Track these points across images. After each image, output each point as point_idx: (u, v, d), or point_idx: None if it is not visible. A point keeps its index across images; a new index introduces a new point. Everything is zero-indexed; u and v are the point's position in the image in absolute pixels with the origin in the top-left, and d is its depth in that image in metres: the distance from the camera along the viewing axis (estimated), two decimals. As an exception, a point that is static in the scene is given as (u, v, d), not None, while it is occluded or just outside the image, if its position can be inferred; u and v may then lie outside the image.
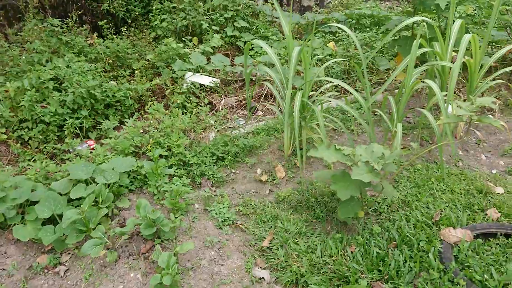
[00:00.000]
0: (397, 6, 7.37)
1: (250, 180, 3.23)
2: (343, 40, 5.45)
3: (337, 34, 5.61)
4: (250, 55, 5.04)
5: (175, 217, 2.76)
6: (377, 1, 7.25)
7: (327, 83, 4.70)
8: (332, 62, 5.02)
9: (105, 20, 5.18)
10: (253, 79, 4.86)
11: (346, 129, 3.57)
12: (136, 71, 4.42)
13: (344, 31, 5.65)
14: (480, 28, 5.23)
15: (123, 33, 5.17)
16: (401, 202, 2.80)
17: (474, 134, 3.64)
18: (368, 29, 5.74)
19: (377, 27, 5.76)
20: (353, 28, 5.75)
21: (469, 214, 2.62)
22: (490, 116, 3.90)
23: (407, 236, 2.43)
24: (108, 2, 5.54)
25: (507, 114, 4.01)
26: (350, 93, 4.69)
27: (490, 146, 3.51)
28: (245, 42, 5.46)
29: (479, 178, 3.02)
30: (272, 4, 6.77)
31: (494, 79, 3.69)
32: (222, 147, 3.46)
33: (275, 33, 5.60)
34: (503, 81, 3.51)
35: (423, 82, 2.98)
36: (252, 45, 5.31)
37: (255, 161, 3.42)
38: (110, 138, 3.41)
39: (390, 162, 2.31)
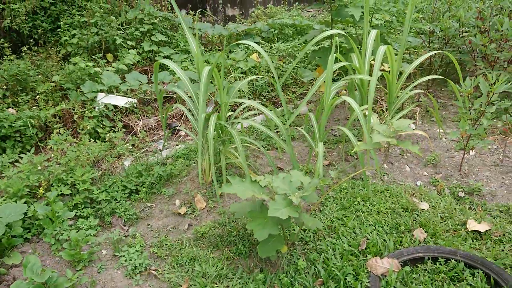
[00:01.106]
0: (319, 14, 7.32)
1: (168, 213, 2.88)
2: (267, 51, 5.25)
3: (260, 45, 5.39)
4: (170, 71, 4.67)
5: (77, 270, 2.36)
6: (299, 10, 7.15)
7: (250, 99, 4.45)
8: (257, 75, 4.80)
9: (2, 40, 4.57)
10: (174, 96, 4.50)
11: (266, 150, 3.33)
12: (40, 95, 3.91)
13: (267, 42, 5.46)
14: (399, 34, 5.24)
15: (25, 52, 4.59)
16: (328, 228, 2.59)
17: (398, 144, 3.55)
18: (291, 38, 5.58)
19: (299, 36, 5.62)
20: (276, 38, 5.56)
21: (396, 237, 2.46)
22: (412, 125, 3.84)
23: (333, 270, 2.21)
24: (9, 18, 4.93)
25: (427, 121, 3.97)
26: (278, 106, 4.48)
27: (414, 156, 3.43)
28: (165, 57, 5.10)
29: (405, 193, 2.89)
30: (194, 15, 6.45)
31: (415, 87, 3.63)
32: (136, 178, 3.08)
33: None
34: (422, 91, 3.43)
35: (342, 97, 2.79)
36: (173, 60, 4.95)
37: (174, 191, 3.07)
38: (2, 177, 2.91)
39: (310, 192, 2.07)
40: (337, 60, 3.21)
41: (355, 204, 2.77)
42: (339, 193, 2.93)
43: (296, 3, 7.77)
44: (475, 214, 2.68)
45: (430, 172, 3.22)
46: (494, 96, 2.86)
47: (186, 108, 3.13)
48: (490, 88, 2.84)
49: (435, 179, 3.10)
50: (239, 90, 4.52)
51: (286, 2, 7.01)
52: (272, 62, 4.89)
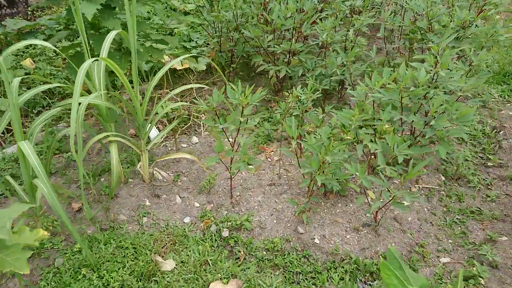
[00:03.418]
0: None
1: None
2: (46, 53, 4.14)
3: (39, 46, 4.25)
4: None
5: None
6: None
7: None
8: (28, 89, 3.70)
9: None
10: None
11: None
12: None
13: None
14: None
15: None
16: (24, 332, 1.76)
17: (170, 168, 2.82)
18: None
19: (97, 32, 4.57)
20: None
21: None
22: (195, 138, 3.13)
23: None
24: None
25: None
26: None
27: (190, 180, 2.73)
28: None
29: (154, 245, 2.17)
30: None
31: (174, 97, 2.91)
32: None
33: None
34: (187, 103, 2.71)
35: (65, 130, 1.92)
36: None
37: None
38: None
39: None
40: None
41: (78, 279, 1.97)
42: (68, 260, 2.10)
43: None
44: (233, 263, 2.06)
45: (203, 201, 2.56)
46: (247, 109, 2.24)
47: None
48: (242, 100, 2.20)
49: (205, 212, 2.45)
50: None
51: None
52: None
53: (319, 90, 2.77)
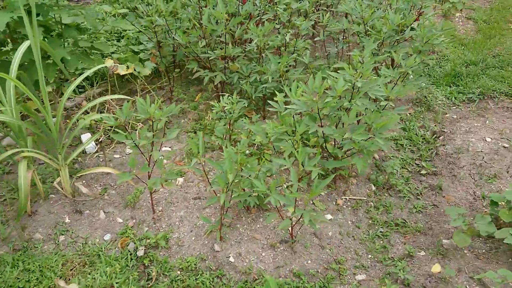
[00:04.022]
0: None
1: None
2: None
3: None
4: None
5: None
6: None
7: None
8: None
9: None
10: None
11: None
12: None
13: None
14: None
15: None
16: None
17: (98, 181, 2.72)
18: None
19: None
20: None
21: None
22: (127, 150, 3.03)
23: None
24: None
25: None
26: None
27: (119, 194, 2.63)
28: None
29: (62, 267, 2.07)
30: None
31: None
32: None
33: None
34: (103, 115, 2.59)
35: None
36: None
37: None
38: None
39: None
40: None
41: (-26, 307, 1.88)
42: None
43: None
44: (142, 285, 1.97)
45: (127, 216, 2.46)
46: (160, 123, 2.14)
47: None
48: (152, 114, 2.10)
49: (126, 228, 2.35)
50: None
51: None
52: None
53: (248, 99, 2.67)
